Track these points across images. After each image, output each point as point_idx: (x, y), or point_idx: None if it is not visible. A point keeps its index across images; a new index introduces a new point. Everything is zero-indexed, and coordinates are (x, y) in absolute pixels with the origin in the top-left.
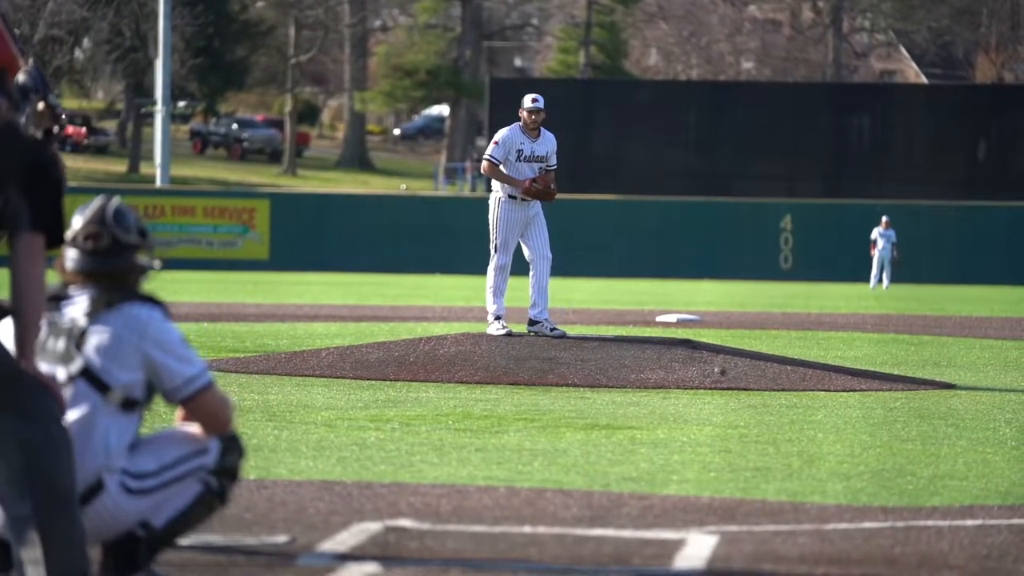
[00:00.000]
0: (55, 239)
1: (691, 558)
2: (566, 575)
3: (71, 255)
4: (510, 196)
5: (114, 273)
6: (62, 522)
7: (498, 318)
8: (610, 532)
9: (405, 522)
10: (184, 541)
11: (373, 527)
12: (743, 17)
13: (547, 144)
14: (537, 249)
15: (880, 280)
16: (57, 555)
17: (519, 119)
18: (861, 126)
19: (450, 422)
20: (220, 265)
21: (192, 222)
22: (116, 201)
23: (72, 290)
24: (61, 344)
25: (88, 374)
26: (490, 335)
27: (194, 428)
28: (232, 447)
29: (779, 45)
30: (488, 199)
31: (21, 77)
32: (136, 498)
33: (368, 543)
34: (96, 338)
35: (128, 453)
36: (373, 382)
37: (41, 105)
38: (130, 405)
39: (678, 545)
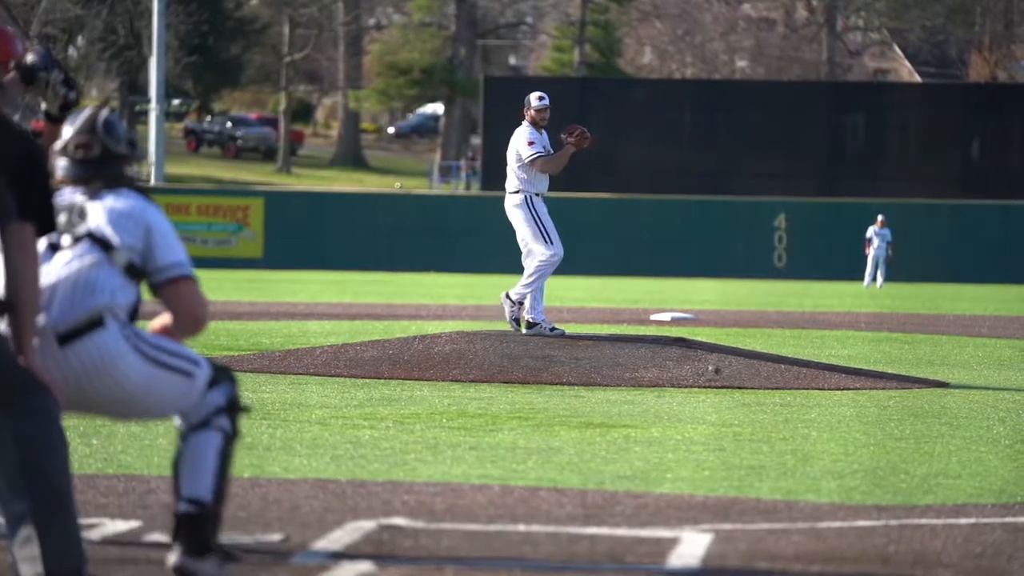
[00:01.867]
0: (44, 228)
1: (685, 556)
2: (560, 573)
3: (62, 164)
4: (536, 194)
5: (105, 180)
6: (59, 519)
7: (521, 303)
8: (604, 530)
9: (399, 520)
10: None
11: (367, 525)
12: (737, 16)
13: (547, 140)
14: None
15: (874, 279)
16: (54, 551)
17: (523, 119)
18: (855, 125)
19: (444, 420)
20: (214, 263)
21: (186, 220)
22: (106, 111)
23: (64, 188)
24: (63, 217)
25: (93, 236)
26: (484, 334)
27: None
28: (224, 376)
29: (773, 44)
30: (507, 203)
31: (30, 57)
32: (132, 351)
33: (362, 541)
34: (99, 209)
35: (130, 321)
36: (367, 380)
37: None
38: (132, 272)
39: (672, 543)
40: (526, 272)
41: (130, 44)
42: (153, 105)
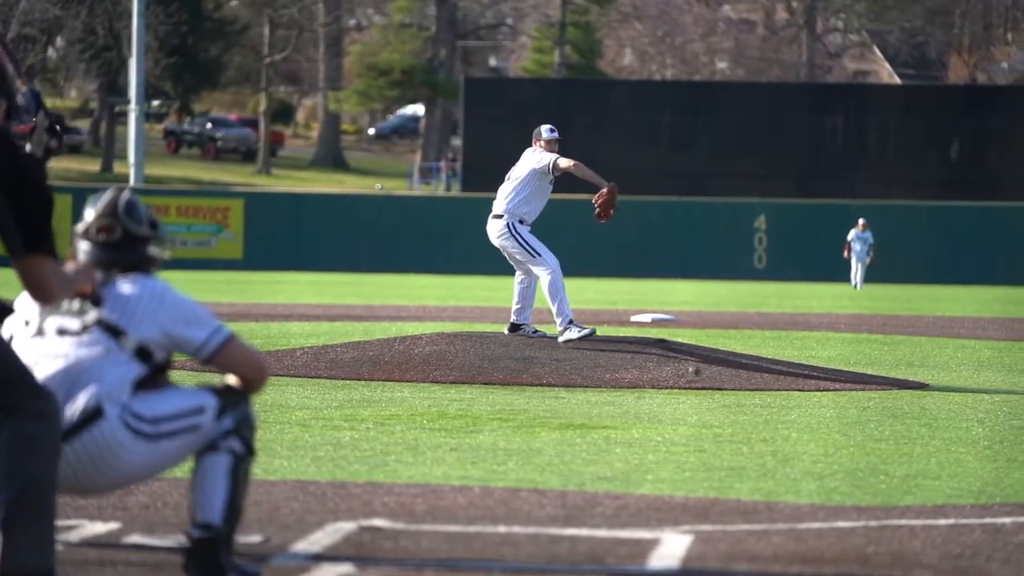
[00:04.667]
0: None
1: (665, 557)
2: (541, 574)
3: (83, 247)
4: (519, 220)
5: (126, 264)
6: (31, 521)
7: (571, 321)
8: (584, 531)
9: (379, 522)
10: (160, 542)
11: (347, 527)
12: (717, 17)
13: None
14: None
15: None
16: (19, 550)
17: (531, 147)
18: (835, 126)
19: (425, 422)
20: (194, 265)
21: (166, 221)
22: (127, 193)
23: None
24: (76, 303)
25: (103, 324)
26: (465, 336)
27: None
28: (234, 400)
29: (753, 45)
30: (491, 228)
31: (19, 99)
32: (133, 438)
33: (342, 543)
34: (113, 297)
35: (132, 395)
36: (348, 382)
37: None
38: (144, 355)
39: (652, 544)
40: (550, 304)
41: (109, 45)
42: (132, 106)
